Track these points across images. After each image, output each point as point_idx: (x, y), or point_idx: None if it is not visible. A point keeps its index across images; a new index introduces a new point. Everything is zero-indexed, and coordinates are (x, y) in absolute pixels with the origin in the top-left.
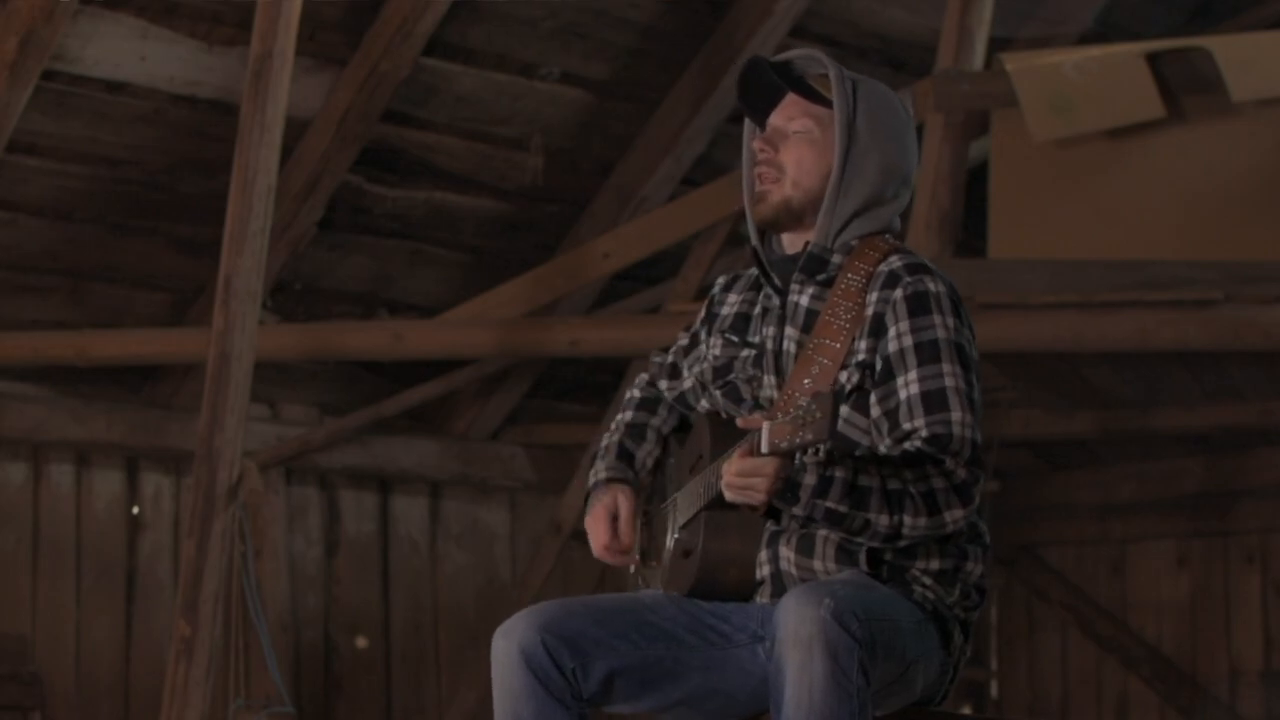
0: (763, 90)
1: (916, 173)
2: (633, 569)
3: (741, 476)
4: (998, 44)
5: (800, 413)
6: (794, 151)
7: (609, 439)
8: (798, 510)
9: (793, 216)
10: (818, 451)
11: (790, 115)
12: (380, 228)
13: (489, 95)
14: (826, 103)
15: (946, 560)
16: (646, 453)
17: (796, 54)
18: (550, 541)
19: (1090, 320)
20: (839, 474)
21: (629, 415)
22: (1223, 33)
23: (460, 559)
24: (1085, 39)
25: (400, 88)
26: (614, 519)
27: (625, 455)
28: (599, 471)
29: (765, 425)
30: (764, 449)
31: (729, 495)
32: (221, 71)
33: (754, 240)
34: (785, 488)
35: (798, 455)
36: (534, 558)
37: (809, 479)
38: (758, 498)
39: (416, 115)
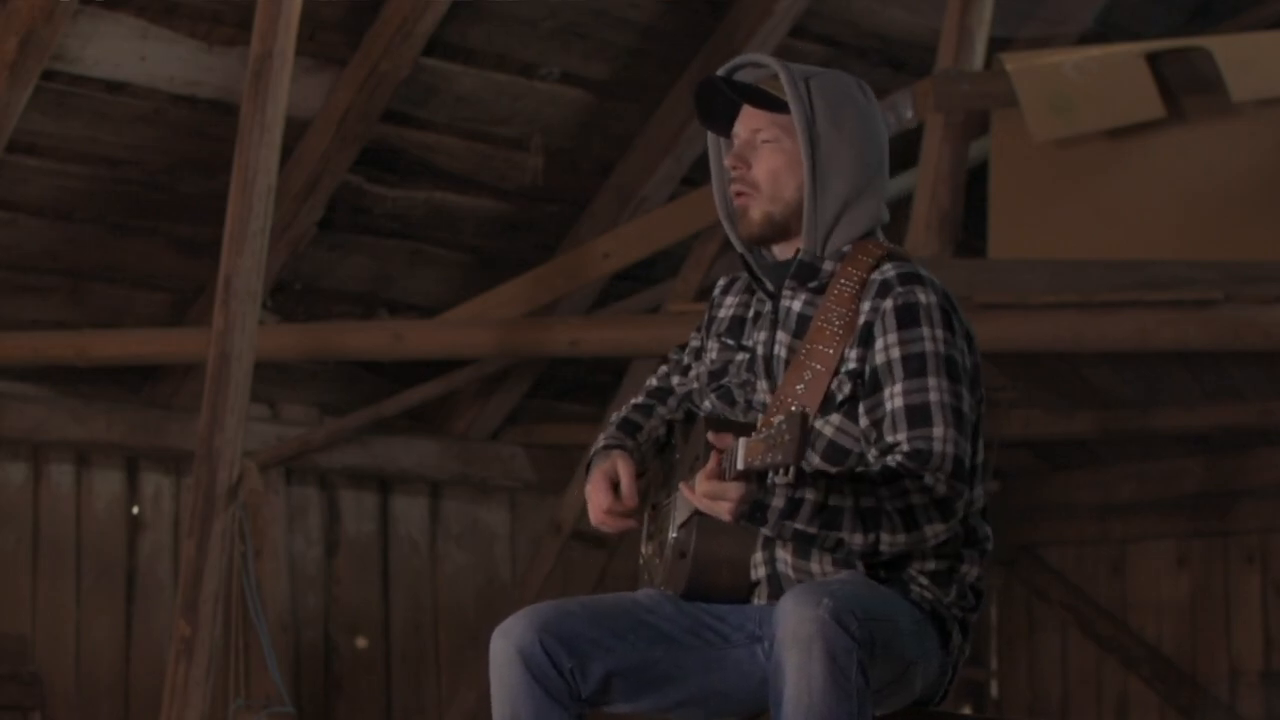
0: (722, 106)
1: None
2: (640, 560)
3: (707, 499)
4: (998, 44)
5: (772, 433)
6: (766, 164)
7: (615, 415)
8: (766, 531)
9: (777, 229)
10: (788, 472)
11: (756, 126)
12: (380, 228)
13: (489, 95)
14: (786, 107)
15: (941, 561)
16: (652, 427)
17: (744, 60)
18: (550, 541)
19: (1090, 320)
20: (809, 495)
21: (639, 398)
22: (1223, 33)
23: (460, 559)
24: (1085, 39)
25: (400, 88)
26: (614, 484)
27: (628, 426)
28: (599, 442)
29: (740, 443)
30: (739, 466)
31: (700, 507)
32: (221, 71)
33: (740, 248)
34: (753, 509)
35: (769, 475)
36: (534, 558)
37: (776, 501)
38: (724, 517)
39: (416, 115)
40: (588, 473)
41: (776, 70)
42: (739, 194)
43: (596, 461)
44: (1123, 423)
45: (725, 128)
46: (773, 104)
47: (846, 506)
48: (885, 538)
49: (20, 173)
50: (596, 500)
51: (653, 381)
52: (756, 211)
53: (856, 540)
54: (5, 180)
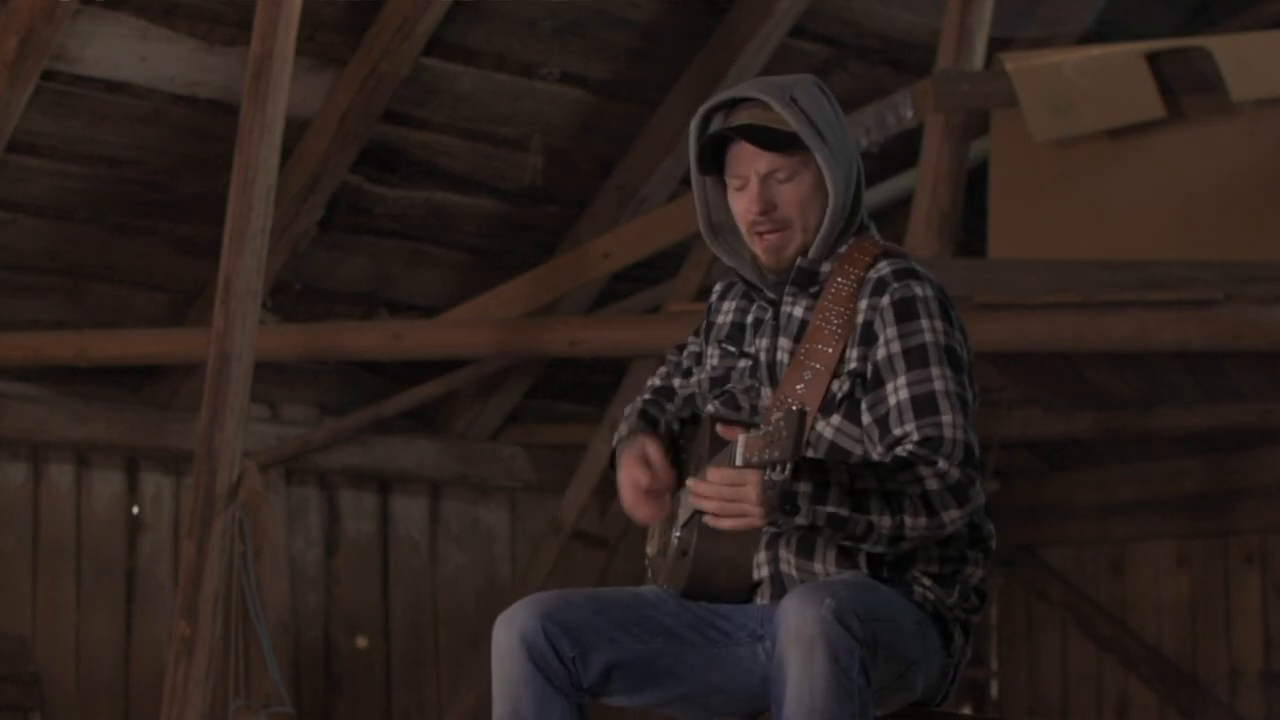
0: (719, 146)
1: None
2: (646, 560)
3: (727, 486)
4: (998, 44)
5: (770, 430)
6: (790, 197)
7: (631, 408)
8: (801, 519)
9: (801, 253)
10: (784, 469)
11: (772, 165)
12: (380, 228)
13: (489, 95)
14: (784, 139)
15: (946, 564)
16: (669, 418)
17: (734, 94)
18: (550, 541)
19: (1090, 320)
20: (835, 478)
21: (646, 395)
22: (1223, 33)
23: (460, 559)
24: (1085, 39)
25: (400, 88)
26: (647, 463)
27: (648, 418)
28: (622, 431)
29: (741, 438)
30: (738, 462)
31: (723, 524)
32: (221, 71)
33: (729, 262)
34: (783, 499)
35: (767, 471)
36: (534, 558)
37: (805, 486)
38: (752, 512)
39: (416, 115)
40: (613, 466)
41: (764, 97)
42: (768, 234)
43: (623, 447)
44: (1123, 423)
45: (718, 168)
46: (772, 141)
47: (872, 489)
48: (909, 520)
49: (20, 173)
50: (631, 478)
51: (655, 381)
52: (791, 249)
53: (885, 523)
54: (5, 180)
